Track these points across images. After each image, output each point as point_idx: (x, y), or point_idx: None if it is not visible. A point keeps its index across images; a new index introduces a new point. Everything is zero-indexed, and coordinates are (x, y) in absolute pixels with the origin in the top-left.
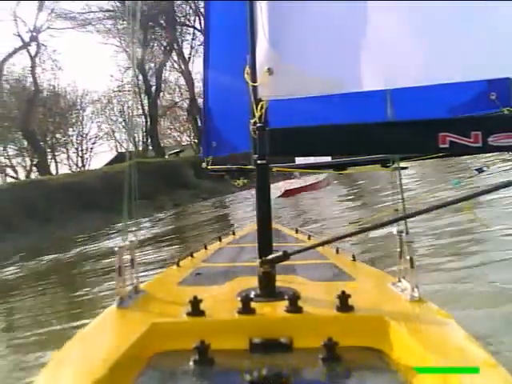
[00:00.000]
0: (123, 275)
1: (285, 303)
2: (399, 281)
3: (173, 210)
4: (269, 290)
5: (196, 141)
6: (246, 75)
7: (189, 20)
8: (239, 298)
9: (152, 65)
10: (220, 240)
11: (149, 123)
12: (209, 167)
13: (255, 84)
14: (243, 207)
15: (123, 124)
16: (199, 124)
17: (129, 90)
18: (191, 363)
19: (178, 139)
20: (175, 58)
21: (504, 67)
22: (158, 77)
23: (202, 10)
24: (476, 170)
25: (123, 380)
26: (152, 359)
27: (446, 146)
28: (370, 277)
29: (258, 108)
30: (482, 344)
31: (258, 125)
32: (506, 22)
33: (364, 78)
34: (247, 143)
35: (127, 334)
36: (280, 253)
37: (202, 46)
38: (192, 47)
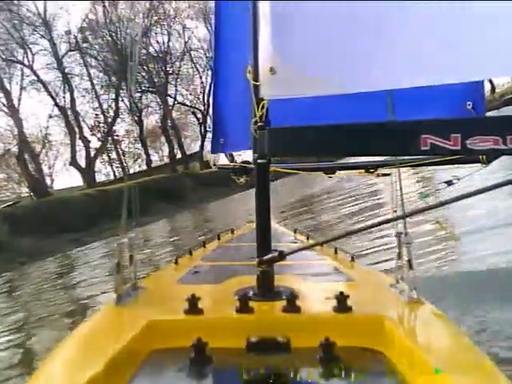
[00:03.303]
0: (122, 272)
1: (283, 303)
2: (397, 282)
3: None
4: (267, 290)
5: (32, 193)
6: (247, 74)
7: (14, 56)
8: (237, 297)
9: None
10: (218, 238)
11: None
12: (216, 164)
13: (257, 83)
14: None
15: None
16: (32, 171)
17: None
18: (188, 361)
19: (18, 191)
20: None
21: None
22: None
23: (30, 44)
24: (445, 182)
25: (120, 376)
26: (149, 356)
27: (427, 148)
28: (368, 277)
29: (260, 107)
30: (479, 345)
31: (259, 124)
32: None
33: (366, 79)
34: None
35: (125, 330)
36: (277, 253)
37: (32, 85)
38: (22, 87)
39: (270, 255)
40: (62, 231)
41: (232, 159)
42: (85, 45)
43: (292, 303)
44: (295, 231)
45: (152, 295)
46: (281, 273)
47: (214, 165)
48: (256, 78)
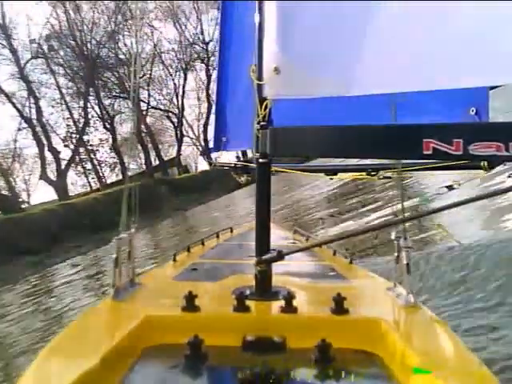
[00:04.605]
0: (120, 267)
1: (280, 303)
2: (395, 285)
3: None
4: (264, 289)
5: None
6: (251, 73)
7: None
8: (234, 296)
9: None
10: (217, 236)
11: None
12: (217, 163)
13: (260, 82)
14: None
15: None
16: (3, 187)
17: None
18: (184, 358)
19: None
20: None
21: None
22: None
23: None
24: (446, 187)
25: (116, 371)
26: (145, 352)
27: (430, 152)
28: (365, 280)
29: (262, 107)
30: (474, 350)
31: (261, 123)
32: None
33: (370, 81)
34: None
35: (121, 325)
36: (275, 252)
37: None
38: None
39: (268, 255)
40: (19, 253)
41: (210, 162)
42: (51, 53)
43: (289, 303)
44: (294, 232)
45: (149, 291)
46: (279, 273)
47: (216, 163)
48: (260, 78)
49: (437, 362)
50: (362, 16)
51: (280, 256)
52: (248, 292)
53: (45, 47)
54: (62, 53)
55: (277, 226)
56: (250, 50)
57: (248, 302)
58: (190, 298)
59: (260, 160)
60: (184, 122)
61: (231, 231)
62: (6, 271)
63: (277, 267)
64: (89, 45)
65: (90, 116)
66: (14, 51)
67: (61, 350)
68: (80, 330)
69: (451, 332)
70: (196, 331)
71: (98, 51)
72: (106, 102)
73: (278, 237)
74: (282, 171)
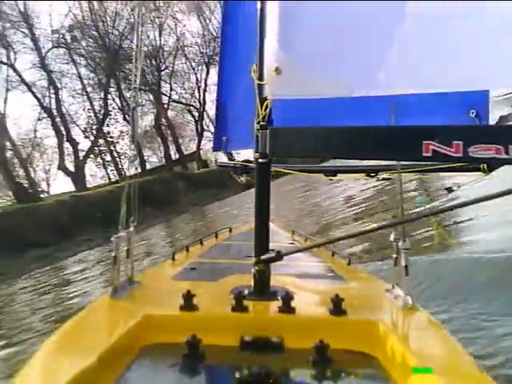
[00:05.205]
0: (119, 265)
1: (278, 303)
2: (393, 287)
3: None
4: (262, 289)
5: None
6: (252, 73)
7: None
8: (232, 295)
9: None
10: (216, 236)
11: None
12: (217, 162)
13: (261, 82)
14: None
15: None
16: (22, 177)
17: None
18: (181, 357)
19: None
20: None
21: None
22: None
23: (14, 44)
24: (446, 189)
25: (112, 369)
26: (143, 351)
27: (429, 154)
28: (364, 282)
29: (263, 107)
30: (471, 351)
31: (261, 123)
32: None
33: (371, 82)
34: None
35: (119, 324)
36: (274, 252)
37: (15, 87)
38: (7, 89)
39: (267, 255)
40: (27, 246)
41: (230, 158)
42: (74, 43)
43: (287, 304)
44: (293, 232)
45: (148, 290)
46: (277, 273)
47: (216, 162)
48: (261, 78)
49: (434, 363)
50: (363, 17)
51: (279, 256)
52: (246, 292)
53: (67, 37)
54: (84, 43)
55: (276, 226)
56: (252, 49)
57: (246, 302)
58: (189, 297)
59: (260, 160)
60: (205, 116)
61: (230, 231)
62: (11, 265)
63: (275, 267)
64: (111, 36)
65: (110, 108)
66: (35, 40)
67: (58, 348)
68: (77, 327)
69: (448, 334)
70: (194, 331)
71: (120, 42)
72: (127, 93)
73: (277, 237)
74: (282, 171)
